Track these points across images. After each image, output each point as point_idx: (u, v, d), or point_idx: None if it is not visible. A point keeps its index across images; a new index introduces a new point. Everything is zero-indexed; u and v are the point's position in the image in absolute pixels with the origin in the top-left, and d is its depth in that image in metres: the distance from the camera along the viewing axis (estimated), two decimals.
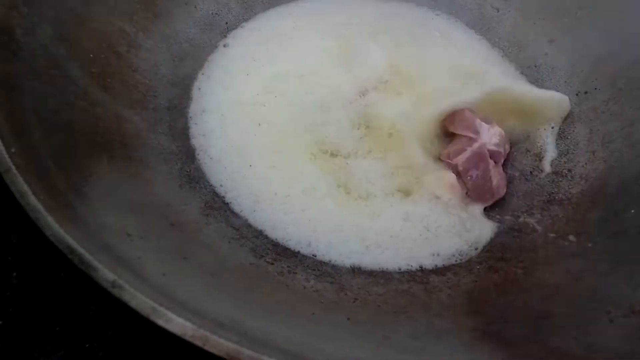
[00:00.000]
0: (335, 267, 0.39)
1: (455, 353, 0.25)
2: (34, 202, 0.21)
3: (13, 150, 0.23)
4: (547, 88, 0.50)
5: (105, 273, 0.20)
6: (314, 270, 0.38)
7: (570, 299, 0.32)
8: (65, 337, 0.36)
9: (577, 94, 0.48)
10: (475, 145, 0.44)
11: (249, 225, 0.41)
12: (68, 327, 0.36)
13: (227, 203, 0.42)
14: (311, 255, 0.40)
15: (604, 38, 0.48)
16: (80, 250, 0.20)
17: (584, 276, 0.35)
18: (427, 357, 0.24)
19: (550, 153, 0.48)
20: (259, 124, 0.46)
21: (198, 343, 0.18)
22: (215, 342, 0.18)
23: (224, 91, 0.47)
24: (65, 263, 0.38)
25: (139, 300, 0.19)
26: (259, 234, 0.40)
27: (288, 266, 0.38)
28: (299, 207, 0.42)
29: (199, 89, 0.48)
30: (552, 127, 0.48)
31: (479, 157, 0.44)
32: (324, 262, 0.40)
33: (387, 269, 0.40)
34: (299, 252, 0.40)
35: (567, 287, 0.34)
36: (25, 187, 0.22)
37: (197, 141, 0.44)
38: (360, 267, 0.40)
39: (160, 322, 0.19)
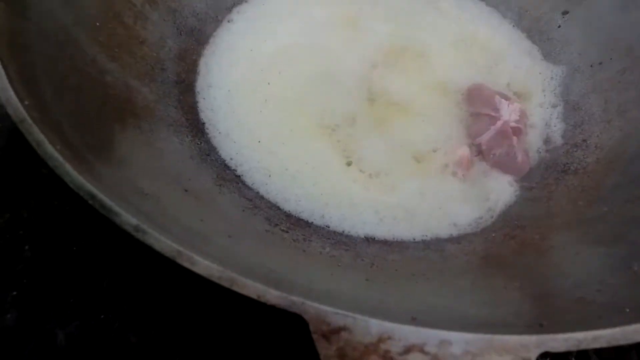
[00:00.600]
0: (349, 237, 0.39)
1: (480, 306, 0.24)
2: (51, 150, 0.21)
3: (27, 102, 0.23)
4: (560, 61, 0.49)
5: (128, 218, 0.19)
6: (329, 239, 0.38)
7: (590, 259, 0.32)
8: (80, 309, 0.36)
9: (591, 66, 0.47)
10: (499, 123, 0.44)
11: (262, 197, 0.40)
12: (82, 298, 0.36)
13: (239, 176, 0.41)
14: (325, 226, 0.40)
15: (619, 8, 0.47)
16: (102, 195, 0.20)
17: (602, 238, 0.35)
18: (450, 309, 0.24)
19: (558, 126, 0.47)
20: (265, 100, 0.45)
21: (225, 284, 0.18)
22: (242, 283, 0.18)
23: (230, 67, 0.47)
24: (77, 236, 0.39)
25: (164, 243, 0.19)
26: (272, 205, 0.40)
27: (303, 235, 0.37)
28: (310, 181, 0.42)
29: (206, 64, 0.47)
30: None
31: (502, 135, 0.44)
32: (337, 233, 0.39)
33: (402, 239, 0.40)
34: (312, 223, 0.40)
35: (587, 248, 0.34)
36: (42, 137, 0.21)
37: (205, 115, 0.44)
38: (375, 237, 0.40)
39: (186, 264, 0.18)
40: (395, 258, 0.37)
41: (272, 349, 0.34)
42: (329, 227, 0.40)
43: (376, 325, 0.18)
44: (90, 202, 0.20)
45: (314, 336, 0.17)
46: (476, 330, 0.18)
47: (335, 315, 0.18)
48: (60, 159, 0.21)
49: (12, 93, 0.22)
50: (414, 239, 0.40)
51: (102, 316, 0.36)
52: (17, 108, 0.22)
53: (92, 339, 0.35)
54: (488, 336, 0.18)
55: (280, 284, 0.21)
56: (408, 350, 0.17)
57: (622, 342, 0.18)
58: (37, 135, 0.21)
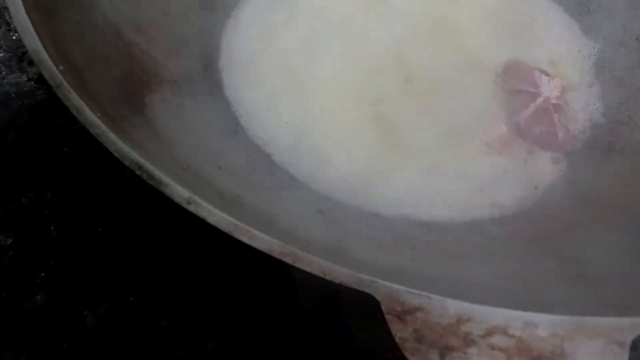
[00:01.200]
0: (386, 219, 0.38)
1: (553, 286, 0.23)
2: (92, 117, 0.19)
3: (61, 67, 0.21)
4: (603, 35, 0.47)
5: (179, 189, 0.18)
6: (364, 220, 0.37)
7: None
8: (109, 290, 0.35)
9: (637, 39, 0.45)
10: (539, 100, 0.42)
11: (293, 178, 0.39)
12: (111, 280, 0.35)
13: (268, 155, 0.40)
14: (359, 207, 0.38)
15: None
16: (149, 165, 0.18)
17: None
18: (518, 291, 0.22)
19: (602, 102, 0.45)
20: (292, 79, 0.43)
21: (287, 260, 0.16)
22: (306, 259, 0.16)
23: (253, 44, 0.45)
24: (102, 217, 0.38)
25: (218, 216, 0.17)
26: (304, 186, 0.39)
27: (339, 215, 0.36)
28: (342, 161, 0.40)
29: (229, 40, 0.46)
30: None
31: (543, 112, 0.42)
32: (373, 214, 0.38)
33: (440, 220, 0.38)
34: (346, 204, 0.38)
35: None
36: (81, 102, 0.20)
37: (230, 93, 0.43)
38: (412, 219, 0.38)
39: (244, 239, 0.17)
40: (435, 239, 0.35)
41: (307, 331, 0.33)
42: (363, 208, 0.38)
43: (454, 306, 0.16)
44: (137, 172, 0.18)
45: (387, 317, 0.16)
46: (563, 312, 0.16)
47: (409, 294, 0.16)
48: (103, 126, 0.19)
49: (46, 56, 0.21)
50: (452, 220, 0.38)
51: (132, 298, 0.35)
52: (52, 72, 0.20)
53: (122, 321, 0.34)
54: (576, 318, 0.16)
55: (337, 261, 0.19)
56: (490, 332, 0.16)
57: None
58: (77, 101, 0.20)
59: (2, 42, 0.45)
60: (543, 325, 0.16)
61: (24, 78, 0.44)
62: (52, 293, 0.33)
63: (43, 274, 0.34)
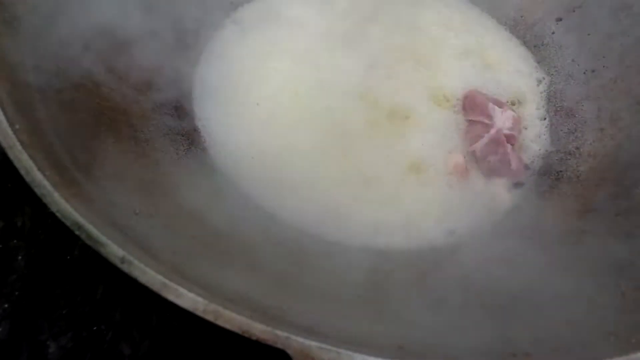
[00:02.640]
0: (345, 247, 0.39)
1: (469, 329, 0.25)
2: (39, 178, 0.21)
3: (17, 126, 0.23)
4: (555, 66, 0.49)
5: (114, 248, 0.19)
6: (324, 250, 0.38)
7: (580, 275, 0.32)
8: (73, 320, 0.36)
9: (584, 73, 0.47)
10: (492, 131, 0.44)
11: (258, 207, 0.40)
12: (76, 309, 0.36)
13: (235, 185, 0.41)
14: (321, 237, 0.40)
15: (610, 16, 0.47)
16: (88, 225, 0.20)
17: (591, 253, 0.35)
18: (439, 332, 0.24)
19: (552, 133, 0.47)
20: (259, 109, 0.45)
21: (210, 318, 0.18)
22: (227, 317, 0.18)
23: (224, 76, 0.47)
24: (70, 246, 0.39)
25: (149, 275, 0.19)
26: (269, 215, 0.40)
27: (298, 246, 0.37)
28: (305, 191, 0.42)
29: (201, 73, 0.47)
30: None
31: (496, 143, 0.44)
32: (332, 243, 0.39)
33: (398, 249, 0.40)
34: (307, 233, 0.40)
35: (576, 263, 0.34)
36: (30, 163, 0.21)
37: (201, 124, 0.44)
38: (370, 247, 0.40)
39: (171, 298, 0.19)
40: (389, 268, 0.37)
41: None
42: (324, 237, 0.40)
43: None
44: (76, 232, 0.20)
45: None
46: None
47: (320, 350, 0.18)
48: (48, 186, 0.21)
49: (2, 117, 0.22)
50: (409, 249, 0.40)
51: (95, 327, 0.36)
52: (6, 134, 0.22)
53: (85, 350, 0.35)
54: None
55: (268, 310, 0.21)
56: None
57: None
58: (26, 162, 0.21)
59: None
60: None
61: None
62: (16, 324, 0.34)
63: (6, 305, 0.35)
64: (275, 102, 0.46)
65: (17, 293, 0.36)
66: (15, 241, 0.39)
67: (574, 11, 0.49)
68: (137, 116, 0.39)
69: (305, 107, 0.46)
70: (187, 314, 0.36)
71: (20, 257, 0.38)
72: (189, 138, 0.42)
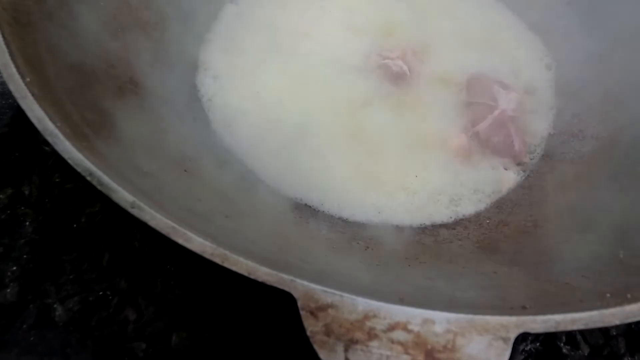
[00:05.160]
0: (346, 221, 0.40)
1: (468, 290, 0.25)
2: (51, 127, 0.21)
3: (28, 79, 0.23)
4: (562, 52, 0.49)
5: (125, 194, 0.20)
6: (325, 221, 0.39)
7: (579, 245, 0.32)
8: (79, 285, 0.36)
9: (591, 57, 0.47)
10: (496, 112, 0.44)
11: (262, 181, 0.41)
12: (82, 275, 0.37)
13: (240, 159, 0.42)
14: (323, 211, 0.40)
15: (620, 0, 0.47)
16: (99, 172, 0.20)
17: (592, 227, 0.35)
18: (438, 291, 0.24)
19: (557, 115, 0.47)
20: (263, 87, 0.45)
21: (217, 260, 0.19)
22: (234, 260, 0.18)
23: (228, 54, 0.47)
24: (77, 215, 0.39)
25: (159, 220, 0.19)
26: (272, 189, 0.41)
27: (300, 216, 0.38)
28: (309, 166, 0.42)
29: (207, 50, 0.48)
30: None
31: (499, 124, 0.44)
32: (334, 217, 0.40)
33: (399, 225, 0.40)
34: (310, 206, 0.40)
35: (577, 235, 0.34)
36: (42, 113, 0.22)
37: (206, 99, 0.45)
38: (371, 222, 0.40)
39: (180, 241, 0.19)
40: (389, 241, 0.37)
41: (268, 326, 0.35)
42: (327, 212, 0.40)
43: (363, 304, 0.18)
44: (88, 178, 0.20)
45: (302, 313, 0.18)
46: (460, 311, 0.19)
47: (324, 293, 0.18)
48: (60, 135, 0.21)
49: (14, 70, 0.23)
50: (411, 225, 0.40)
51: (101, 293, 0.36)
52: (18, 85, 0.22)
53: (91, 314, 0.35)
54: (469, 316, 0.18)
55: (273, 263, 0.21)
56: (392, 327, 0.18)
57: (599, 324, 0.19)
58: (38, 111, 0.22)
59: None
60: (439, 322, 0.18)
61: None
62: (23, 287, 0.35)
63: (14, 268, 0.36)
64: (279, 84, 0.46)
65: (25, 257, 0.37)
66: (22, 208, 0.40)
67: None
68: (145, 87, 0.39)
69: (312, 83, 0.46)
70: (190, 282, 0.37)
71: (27, 223, 0.39)
72: (195, 114, 0.43)
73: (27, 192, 0.41)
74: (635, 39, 0.45)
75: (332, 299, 0.18)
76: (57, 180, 0.41)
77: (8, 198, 0.40)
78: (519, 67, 0.50)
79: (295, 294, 0.18)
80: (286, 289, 0.18)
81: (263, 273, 0.18)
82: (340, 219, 0.40)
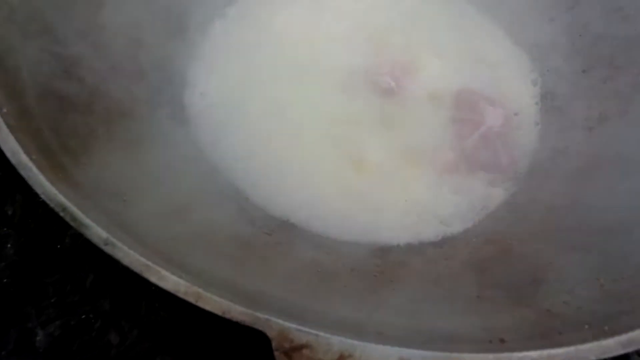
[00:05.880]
0: (333, 241, 0.40)
1: (450, 317, 0.25)
2: (25, 160, 0.21)
3: (5, 110, 0.23)
4: (546, 65, 0.49)
5: (98, 230, 0.20)
6: (312, 242, 0.39)
7: (562, 267, 0.32)
8: (61, 308, 0.36)
9: (575, 73, 0.48)
10: (483, 128, 0.44)
11: (248, 200, 0.41)
12: (65, 298, 0.36)
13: (227, 178, 0.42)
14: (309, 230, 0.40)
15: (602, 18, 0.47)
16: (72, 207, 0.20)
17: (577, 247, 0.35)
18: (423, 320, 0.24)
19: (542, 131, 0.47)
20: (253, 103, 0.45)
21: (191, 300, 0.18)
22: (208, 299, 0.18)
23: (218, 71, 0.47)
24: (61, 235, 0.39)
25: (132, 258, 0.19)
26: (258, 208, 0.40)
27: (286, 237, 0.38)
28: (297, 186, 0.42)
29: (195, 66, 0.47)
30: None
31: (487, 140, 0.44)
32: (322, 236, 0.40)
33: (386, 244, 0.40)
34: (297, 226, 0.40)
35: (561, 256, 0.34)
36: (16, 146, 0.21)
37: (195, 118, 0.44)
38: (358, 242, 0.40)
39: (153, 279, 0.19)
40: (377, 262, 0.37)
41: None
42: (313, 231, 0.40)
43: (338, 343, 0.18)
44: (61, 214, 0.20)
45: (276, 353, 0.18)
46: (438, 346, 0.19)
47: (298, 332, 0.18)
48: (34, 169, 0.21)
49: None
50: (399, 244, 0.40)
51: (84, 316, 0.36)
52: None
53: (73, 339, 0.35)
54: (446, 354, 0.18)
55: (250, 296, 0.21)
56: None
57: None
58: (13, 144, 0.21)
59: None
60: None
61: None
62: (3, 311, 0.35)
63: None
64: (270, 98, 0.46)
65: (5, 280, 0.36)
66: (5, 229, 0.39)
67: (566, 12, 0.50)
68: (129, 107, 0.39)
69: (299, 101, 0.46)
70: (174, 304, 0.36)
71: (9, 245, 0.38)
72: (182, 130, 0.42)
73: (10, 212, 0.40)
74: (617, 56, 0.45)
75: (307, 338, 0.18)
76: (41, 199, 0.41)
77: None
78: (505, 83, 0.50)
79: (270, 334, 0.18)
80: (261, 328, 0.18)
81: (238, 313, 0.18)
82: (327, 238, 0.40)
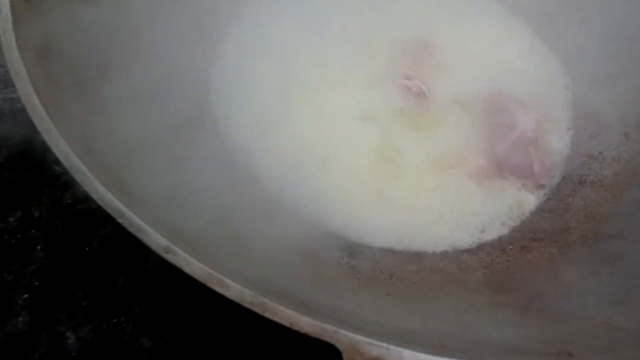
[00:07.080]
0: (368, 248, 0.39)
1: (501, 327, 0.24)
2: (77, 163, 0.20)
3: (52, 110, 0.22)
4: (578, 69, 0.49)
5: (158, 238, 0.19)
6: (347, 248, 0.38)
7: (611, 277, 0.31)
8: (92, 312, 0.35)
9: (609, 77, 0.47)
10: (515, 133, 0.44)
11: (282, 203, 0.40)
12: (95, 301, 0.36)
13: (261, 185, 0.41)
14: (344, 237, 0.39)
15: (633, 18, 0.47)
16: (130, 213, 0.19)
17: (622, 255, 0.34)
18: (475, 330, 0.23)
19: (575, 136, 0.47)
20: (283, 113, 0.44)
21: (257, 310, 0.18)
22: (275, 310, 0.18)
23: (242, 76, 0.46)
24: (89, 238, 0.38)
25: (195, 266, 0.18)
26: (292, 215, 0.40)
27: (322, 245, 0.37)
28: (329, 191, 0.41)
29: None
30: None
31: (518, 145, 0.43)
32: (356, 243, 0.39)
33: (420, 250, 0.39)
34: (331, 232, 0.39)
35: (606, 266, 0.34)
36: (68, 148, 0.21)
37: (225, 132, 0.43)
38: (394, 248, 0.39)
39: (217, 289, 0.18)
40: (413, 269, 0.37)
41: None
42: (348, 237, 0.39)
43: (410, 356, 0.17)
44: (119, 220, 0.19)
45: None
46: (507, 358, 0.18)
47: (369, 345, 0.17)
48: (88, 173, 0.20)
49: (37, 101, 0.22)
50: (434, 251, 0.40)
51: (115, 320, 0.35)
52: (42, 117, 0.21)
53: (104, 343, 0.34)
54: None
55: (310, 306, 0.20)
56: None
57: None
58: (64, 146, 0.21)
59: None
60: None
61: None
62: (35, 315, 0.34)
63: (26, 295, 0.35)
64: (297, 111, 0.45)
65: (36, 283, 0.36)
66: (32, 231, 0.38)
67: (596, 12, 0.49)
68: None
69: (346, 106, 0.45)
70: (205, 308, 0.36)
71: (39, 248, 0.38)
72: (219, 141, 0.42)
73: (37, 214, 0.39)
74: None
75: (378, 351, 0.17)
76: (68, 201, 0.40)
77: (17, 221, 0.39)
78: (537, 86, 0.49)
79: (340, 347, 0.17)
80: (331, 341, 0.17)
81: (305, 324, 0.17)
82: (362, 244, 0.39)
